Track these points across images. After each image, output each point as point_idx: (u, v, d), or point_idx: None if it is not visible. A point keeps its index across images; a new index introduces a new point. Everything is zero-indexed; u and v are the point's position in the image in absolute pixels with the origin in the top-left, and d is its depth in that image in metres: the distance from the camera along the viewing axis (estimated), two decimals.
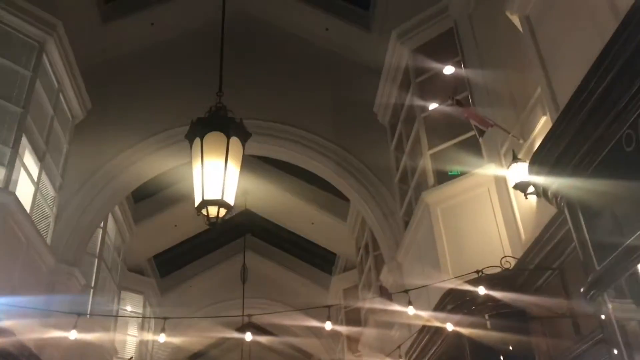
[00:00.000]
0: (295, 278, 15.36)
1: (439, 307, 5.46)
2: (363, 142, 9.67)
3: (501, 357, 5.39)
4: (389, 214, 9.06)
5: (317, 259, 15.29)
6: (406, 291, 4.79)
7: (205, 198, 4.46)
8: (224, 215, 4.57)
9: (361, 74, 9.96)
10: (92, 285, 9.68)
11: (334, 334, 15.23)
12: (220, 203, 4.45)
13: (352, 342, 12.73)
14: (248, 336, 4.46)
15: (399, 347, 6.32)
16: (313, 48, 10.33)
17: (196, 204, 4.50)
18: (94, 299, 9.48)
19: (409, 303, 4.73)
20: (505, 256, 5.15)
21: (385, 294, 9.55)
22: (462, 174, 6.88)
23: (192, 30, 10.04)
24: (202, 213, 4.52)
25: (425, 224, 6.88)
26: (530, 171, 4.38)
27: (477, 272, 4.93)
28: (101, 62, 9.49)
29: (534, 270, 4.98)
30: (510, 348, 5.37)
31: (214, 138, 4.65)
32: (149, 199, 12.62)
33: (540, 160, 4.27)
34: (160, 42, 9.99)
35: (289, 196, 12.83)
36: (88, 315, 8.60)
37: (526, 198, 5.30)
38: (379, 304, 7.82)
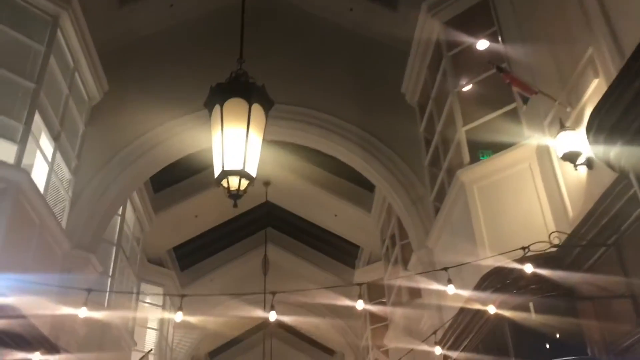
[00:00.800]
0: (317, 272, 14.96)
1: (480, 288, 5.03)
2: (389, 126, 9.26)
3: (547, 345, 4.96)
4: (418, 199, 8.63)
5: (340, 252, 14.89)
6: (445, 269, 4.37)
7: (225, 168, 4.12)
8: (246, 188, 4.23)
9: (387, 55, 9.57)
10: (110, 274, 9.40)
11: (357, 331, 14.87)
12: (241, 174, 4.13)
13: (377, 337, 12.30)
14: (272, 315, 4.10)
15: (434, 333, 5.89)
16: (336, 29, 9.94)
17: (216, 174, 4.17)
18: (112, 288, 9.19)
19: (449, 282, 4.30)
20: (554, 231, 4.68)
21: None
22: (496, 152, 6.43)
23: (212, 11, 9.73)
24: (222, 185, 4.19)
25: (461, 205, 6.44)
26: (588, 133, 3.92)
27: (523, 248, 4.47)
28: (119, 45, 9.19)
29: (586, 246, 4.51)
30: (558, 335, 4.92)
31: (235, 105, 4.34)
32: (169, 189, 12.33)
33: (600, 121, 3.82)
34: (179, 24, 9.68)
35: (312, 187, 12.45)
36: (106, 299, 8.30)
37: (576, 169, 4.84)
38: (412, 281, 7.37)
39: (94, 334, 8.01)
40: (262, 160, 4.13)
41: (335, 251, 15.02)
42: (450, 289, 4.25)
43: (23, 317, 5.21)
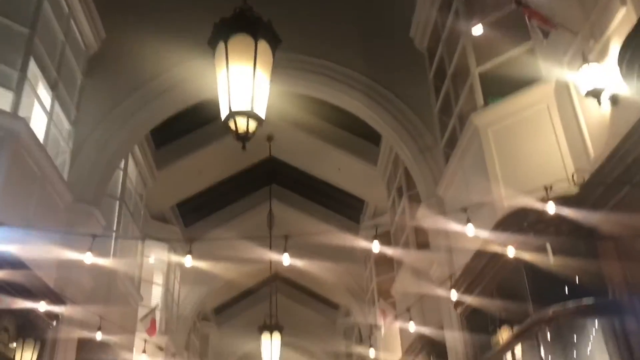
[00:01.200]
0: (322, 226, 14.85)
1: (499, 229, 4.87)
2: (396, 73, 8.98)
3: (566, 287, 4.83)
4: (426, 148, 8.42)
5: (344, 206, 14.78)
6: (464, 209, 4.19)
7: (232, 109, 3.88)
8: (255, 130, 4.00)
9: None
10: (114, 229, 9.27)
11: (362, 284, 14.88)
12: (249, 114, 3.88)
13: (383, 288, 12.28)
14: (285, 258, 3.95)
15: (450, 277, 5.77)
16: None
17: (222, 116, 3.93)
18: (116, 243, 9.08)
19: (468, 221, 4.14)
20: (577, 170, 4.49)
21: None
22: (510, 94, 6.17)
23: None
24: (229, 127, 3.96)
25: (474, 150, 6.23)
26: (620, 63, 3.68)
27: (545, 188, 4.29)
28: None
29: (611, 185, 4.33)
30: (577, 278, 4.79)
31: (240, 41, 4.06)
32: (171, 144, 12.12)
33: (635, 48, 3.57)
34: None
35: (316, 141, 12.21)
36: (111, 251, 8.19)
37: (600, 105, 4.61)
38: (429, 223, 7.22)
39: (100, 288, 7.93)
40: (265, 114, 3.85)
41: (339, 206, 14.89)
42: (470, 229, 4.09)
43: (26, 267, 5.07)
